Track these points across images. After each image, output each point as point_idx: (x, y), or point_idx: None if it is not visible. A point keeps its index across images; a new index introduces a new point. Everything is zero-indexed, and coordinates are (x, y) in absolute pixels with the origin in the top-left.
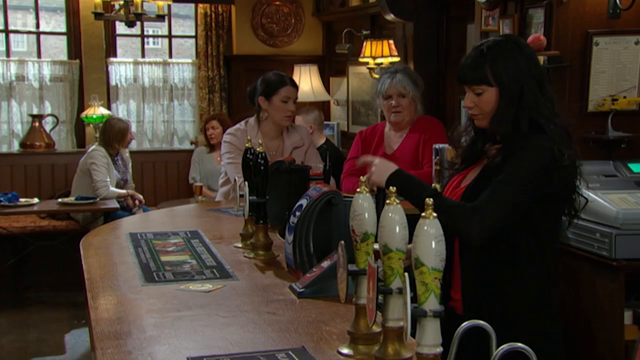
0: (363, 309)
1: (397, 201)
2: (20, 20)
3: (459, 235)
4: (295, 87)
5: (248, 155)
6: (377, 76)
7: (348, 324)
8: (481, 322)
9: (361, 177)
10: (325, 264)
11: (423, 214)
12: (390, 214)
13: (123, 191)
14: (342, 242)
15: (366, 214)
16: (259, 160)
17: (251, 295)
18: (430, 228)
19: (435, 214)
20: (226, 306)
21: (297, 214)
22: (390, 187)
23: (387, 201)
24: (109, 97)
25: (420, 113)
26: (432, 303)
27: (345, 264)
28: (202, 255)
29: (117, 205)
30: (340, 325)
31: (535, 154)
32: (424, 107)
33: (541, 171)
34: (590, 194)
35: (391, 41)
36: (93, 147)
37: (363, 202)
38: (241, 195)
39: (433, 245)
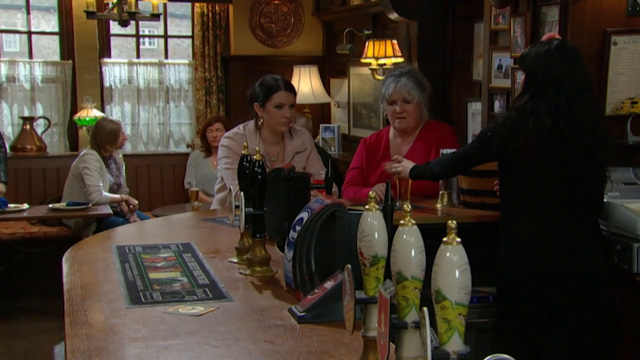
0: (373, 342)
1: (412, 221)
2: (13, 20)
3: None
4: (291, 91)
5: (244, 163)
6: (379, 77)
7: (355, 355)
8: (506, 356)
9: (370, 193)
10: (328, 284)
11: (445, 238)
12: (404, 236)
13: (117, 196)
14: (349, 265)
15: (376, 234)
16: (255, 168)
17: (246, 320)
18: (454, 255)
19: (458, 239)
20: (219, 333)
21: (297, 228)
22: (405, 206)
23: (402, 221)
24: (102, 98)
25: (426, 118)
26: (455, 343)
27: (352, 291)
28: (194, 271)
29: (110, 211)
30: (346, 358)
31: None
32: (429, 112)
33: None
34: (610, 203)
35: (394, 41)
36: (85, 150)
37: (372, 221)
38: (237, 206)
39: (457, 275)
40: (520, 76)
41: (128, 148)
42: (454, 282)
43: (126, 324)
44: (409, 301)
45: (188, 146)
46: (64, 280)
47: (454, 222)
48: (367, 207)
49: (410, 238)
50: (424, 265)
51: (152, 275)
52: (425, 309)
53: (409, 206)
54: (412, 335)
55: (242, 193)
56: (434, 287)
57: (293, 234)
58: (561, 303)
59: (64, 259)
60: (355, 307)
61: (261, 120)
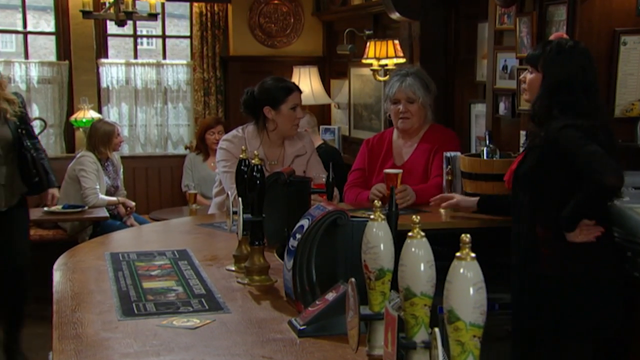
0: None
1: (422, 233)
2: (10, 20)
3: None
4: (300, 91)
5: (242, 168)
6: (380, 78)
7: None
8: None
9: (375, 201)
10: (330, 296)
11: (458, 253)
12: (413, 249)
13: (113, 199)
14: (353, 279)
15: (382, 246)
16: (254, 173)
17: (244, 334)
18: (468, 271)
19: (473, 254)
20: (215, 348)
21: (298, 236)
22: (413, 217)
23: (410, 233)
24: (99, 99)
25: (430, 120)
26: None
27: (356, 307)
28: (190, 280)
29: (107, 214)
30: None
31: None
32: (434, 114)
33: None
34: (620, 208)
35: (396, 41)
36: (82, 152)
37: (378, 232)
38: (234, 212)
39: (471, 293)
40: (529, 76)
41: (125, 150)
42: (468, 301)
43: (117, 338)
44: (417, 319)
45: (186, 148)
46: (54, 289)
47: (468, 235)
48: (372, 216)
49: (419, 251)
50: (434, 280)
51: (146, 284)
52: (436, 329)
53: (418, 217)
54: (421, 356)
55: (240, 199)
56: (447, 306)
57: (293, 242)
58: (575, 312)
59: (55, 266)
60: (359, 324)
61: (274, 125)
